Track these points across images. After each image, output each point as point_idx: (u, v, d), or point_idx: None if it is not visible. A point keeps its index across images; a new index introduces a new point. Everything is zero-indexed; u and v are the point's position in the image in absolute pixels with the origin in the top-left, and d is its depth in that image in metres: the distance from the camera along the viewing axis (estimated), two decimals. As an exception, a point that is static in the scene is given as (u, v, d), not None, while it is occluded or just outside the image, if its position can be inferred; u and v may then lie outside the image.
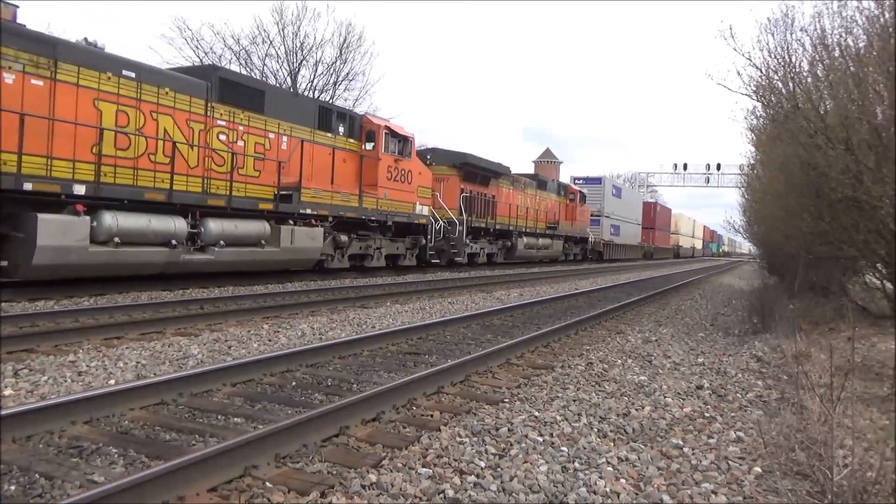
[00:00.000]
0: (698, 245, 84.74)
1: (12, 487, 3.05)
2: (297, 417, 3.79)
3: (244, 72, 29.27)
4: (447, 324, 8.56)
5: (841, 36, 7.15)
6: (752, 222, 19.85)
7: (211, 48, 28.75)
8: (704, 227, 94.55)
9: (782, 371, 6.47)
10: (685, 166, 63.74)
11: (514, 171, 28.19)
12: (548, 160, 54.70)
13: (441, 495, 3.17)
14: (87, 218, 9.72)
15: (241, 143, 12.78)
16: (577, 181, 39.11)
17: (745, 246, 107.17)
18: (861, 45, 6.86)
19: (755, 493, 3.36)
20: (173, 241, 11.05)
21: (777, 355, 7.27)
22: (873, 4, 6.70)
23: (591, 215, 37.48)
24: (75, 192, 9.61)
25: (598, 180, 41.30)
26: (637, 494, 3.31)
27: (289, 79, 30.50)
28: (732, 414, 4.91)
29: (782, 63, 8.37)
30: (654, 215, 55.42)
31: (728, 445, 4.12)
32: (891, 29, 6.29)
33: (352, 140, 16.20)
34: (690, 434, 4.36)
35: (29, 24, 9.75)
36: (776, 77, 8.51)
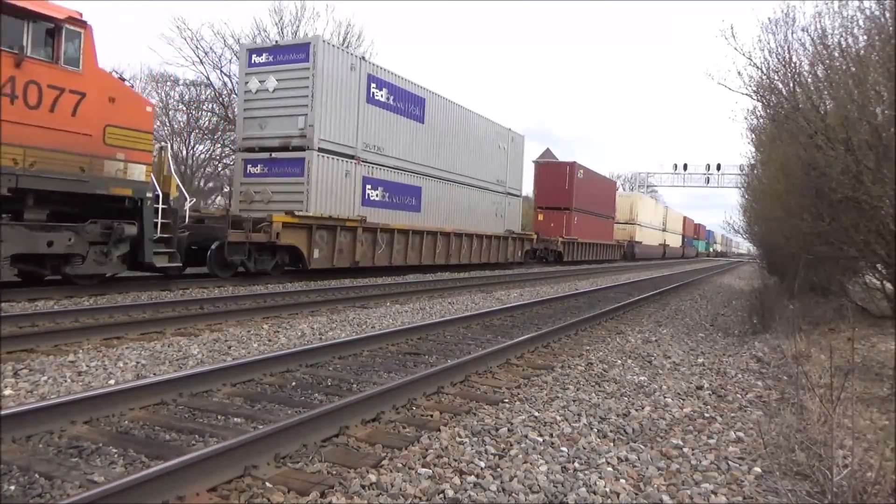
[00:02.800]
0: (674, 241, 63.23)
1: (12, 487, 3.05)
2: (296, 417, 3.79)
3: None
4: (447, 324, 8.56)
5: (841, 36, 7.16)
6: (752, 223, 19.84)
7: (211, 48, 28.68)
8: (686, 218, 72.60)
9: (782, 371, 6.47)
10: (685, 166, 63.69)
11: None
12: (547, 160, 54.22)
13: (441, 495, 3.17)
14: None
15: None
16: (256, 55, 15.80)
17: (744, 245, 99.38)
18: (861, 45, 6.87)
19: (755, 493, 3.36)
20: None
21: (777, 355, 7.27)
22: (874, 4, 6.71)
23: (262, 150, 15.43)
24: None
25: (302, 51, 15.26)
26: (637, 494, 3.31)
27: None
28: (732, 414, 4.91)
29: (783, 63, 8.38)
30: (570, 186, 31.63)
31: (728, 446, 4.12)
32: (891, 29, 6.30)
33: None
34: (690, 434, 4.35)
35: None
36: (776, 77, 8.52)
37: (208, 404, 4.55)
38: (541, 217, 31.76)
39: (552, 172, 32.50)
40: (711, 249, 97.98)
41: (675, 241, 63.65)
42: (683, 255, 68.38)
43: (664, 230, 57.99)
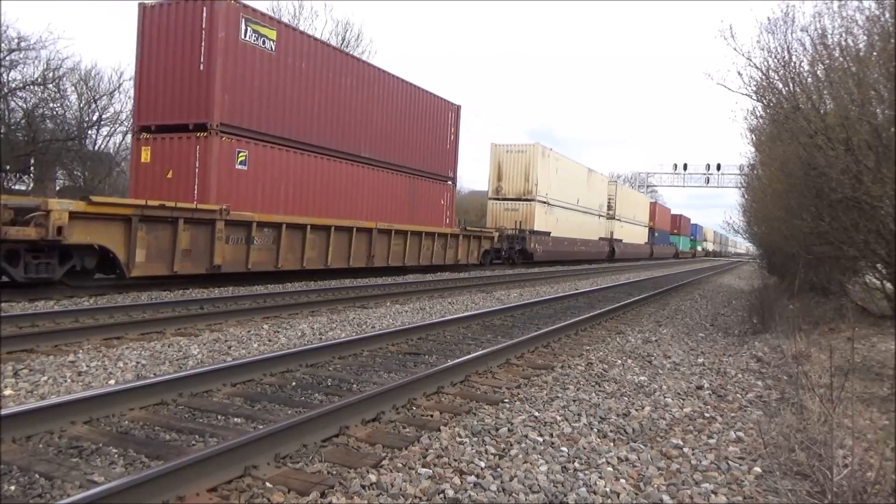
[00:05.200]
0: (635, 236, 45.82)
1: (12, 487, 3.05)
2: (297, 417, 3.79)
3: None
4: (447, 324, 8.56)
5: (841, 36, 7.16)
6: (752, 222, 19.85)
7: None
8: (656, 205, 55.11)
9: (782, 371, 6.47)
10: (685, 166, 63.72)
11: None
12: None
13: (441, 495, 3.17)
14: None
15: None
16: None
17: (742, 244, 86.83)
18: (861, 45, 6.87)
19: (755, 493, 3.36)
20: None
21: (777, 355, 7.27)
22: (874, 4, 6.71)
23: None
24: None
25: None
26: (637, 494, 3.31)
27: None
28: (732, 414, 4.91)
29: (782, 63, 8.37)
30: (211, 60, 12.33)
31: (728, 445, 4.12)
32: (891, 29, 6.30)
33: None
34: (690, 434, 4.36)
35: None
36: (776, 77, 8.51)
37: (208, 404, 4.55)
38: (146, 155, 13.39)
39: (168, 28, 13.17)
40: (700, 248, 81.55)
41: (635, 236, 46.06)
42: (653, 256, 50.81)
43: (612, 217, 40.23)
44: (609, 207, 40.12)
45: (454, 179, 22.12)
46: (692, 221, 74.65)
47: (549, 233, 29.63)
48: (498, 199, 28.92)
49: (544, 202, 29.28)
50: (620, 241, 41.82)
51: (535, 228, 28.32)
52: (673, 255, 60.05)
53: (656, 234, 53.08)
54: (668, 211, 61.67)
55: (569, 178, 32.25)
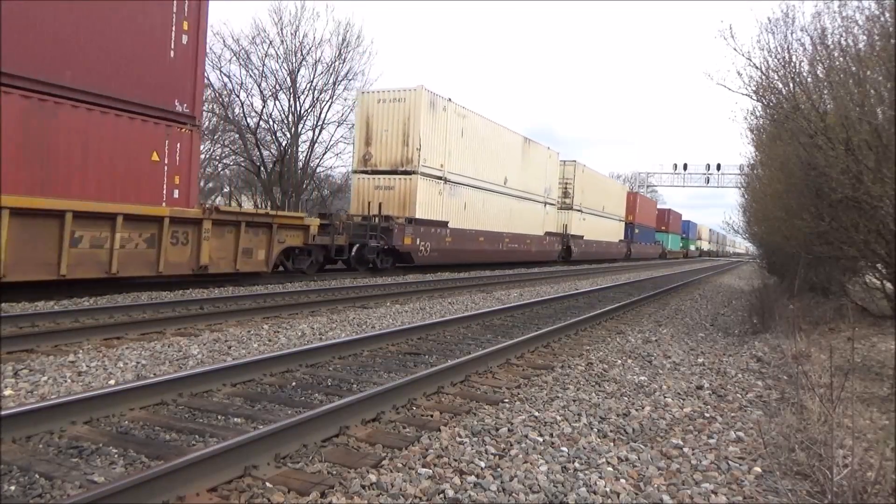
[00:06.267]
0: (604, 233, 37.77)
1: (12, 487, 3.05)
2: (297, 417, 3.78)
3: (243, 72, 27.82)
4: (447, 324, 8.56)
5: (841, 36, 7.16)
6: (752, 222, 19.84)
7: (210, 48, 28.69)
8: (637, 196, 47.10)
9: (782, 371, 6.47)
10: (685, 166, 63.65)
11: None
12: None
13: (441, 495, 3.17)
14: None
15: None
16: None
17: (741, 244, 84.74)
18: (861, 45, 6.87)
19: (755, 493, 3.36)
20: None
21: (777, 355, 7.27)
22: (873, 4, 6.71)
23: None
24: None
25: None
26: (637, 494, 3.31)
27: (288, 79, 30.41)
28: (732, 414, 4.91)
29: (782, 63, 8.37)
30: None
31: (728, 445, 4.12)
32: (891, 29, 6.30)
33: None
34: (690, 434, 4.36)
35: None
36: (776, 77, 8.51)
37: (208, 404, 4.56)
38: None
39: None
40: (694, 248, 72.78)
41: (604, 232, 37.65)
42: (630, 256, 42.63)
43: (569, 207, 31.89)
44: (565, 195, 31.60)
45: (195, 119, 11.52)
46: (685, 218, 67.50)
47: (447, 223, 19.94)
48: (365, 173, 19.15)
49: (437, 177, 19.54)
50: (580, 237, 32.92)
51: (418, 216, 18.48)
52: (659, 256, 52.84)
53: (636, 231, 44.80)
54: (653, 204, 54.17)
55: (488, 147, 22.48)
